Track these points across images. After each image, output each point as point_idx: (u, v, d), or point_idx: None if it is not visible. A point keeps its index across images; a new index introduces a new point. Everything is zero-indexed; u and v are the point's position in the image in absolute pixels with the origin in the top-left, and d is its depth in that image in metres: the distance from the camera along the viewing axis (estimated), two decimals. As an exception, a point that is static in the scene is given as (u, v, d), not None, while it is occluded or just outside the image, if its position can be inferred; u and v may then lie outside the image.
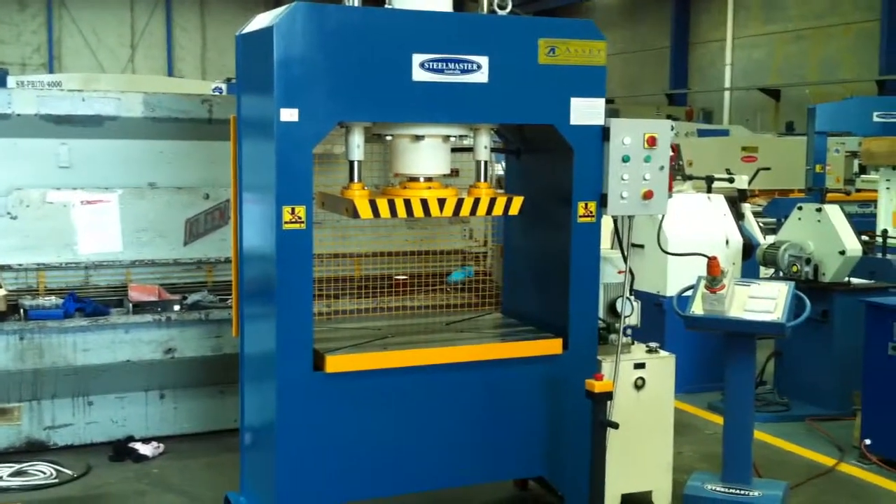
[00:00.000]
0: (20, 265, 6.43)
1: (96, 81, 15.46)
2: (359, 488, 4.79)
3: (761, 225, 10.42)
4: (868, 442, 6.51)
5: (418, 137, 4.82)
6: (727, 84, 27.18)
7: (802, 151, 12.20)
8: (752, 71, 26.37)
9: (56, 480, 5.90)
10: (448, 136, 4.90)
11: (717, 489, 5.48)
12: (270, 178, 4.49)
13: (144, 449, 6.35)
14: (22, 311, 6.19)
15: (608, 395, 4.69)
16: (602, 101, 4.99)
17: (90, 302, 6.43)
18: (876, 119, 11.47)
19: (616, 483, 5.26)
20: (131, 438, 6.50)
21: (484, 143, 5.01)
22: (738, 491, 5.44)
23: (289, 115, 4.42)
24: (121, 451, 6.34)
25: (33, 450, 6.27)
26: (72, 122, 6.55)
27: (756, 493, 5.43)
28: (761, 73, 26.04)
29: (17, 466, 5.96)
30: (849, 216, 7.81)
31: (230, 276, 5.30)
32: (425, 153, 4.86)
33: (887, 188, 10.30)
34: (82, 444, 6.43)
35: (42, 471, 5.97)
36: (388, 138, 4.88)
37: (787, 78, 25.05)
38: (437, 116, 4.74)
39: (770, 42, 25.74)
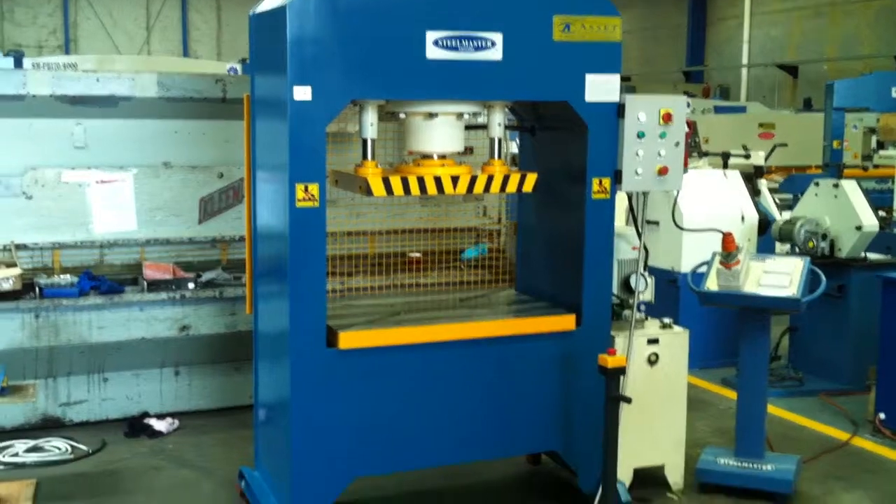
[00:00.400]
0: (35, 244, 6.46)
1: (111, 63, 15.44)
2: (372, 463, 4.82)
3: (777, 201, 10.35)
4: (882, 416, 6.50)
5: (432, 115, 4.81)
6: (744, 61, 26.97)
7: (820, 128, 12.15)
8: (770, 47, 26.16)
9: (71, 456, 5.96)
10: (462, 114, 4.89)
11: (730, 463, 5.50)
12: (284, 157, 4.50)
13: (159, 425, 6.40)
14: (37, 289, 6.23)
15: (621, 371, 4.70)
16: (617, 77, 4.96)
17: (105, 280, 6.46)
18: (894, 94, 11.38)
19: (629, 458, 5.27)
20: (146, 415, 6.55)
21: (498, 120, 5.00)
22: (750, 465, 5.47)
23: (302, 93, 4.42)
24: (136, 427, 6.39)
25: (49, 426, 6.33)
26: (86, 102, 6.56)
27: (769, 467, 5.45)
28: (779, 49, 25.83)
29: (32, 442, 6.02)
30: (866, 192, 7.77)
31: (244, 254, 5.32)
32: (439, 131, 4.85)
33: (905, 163, 10.22)
34: (97, 420, 6.48)
35: (57, 447, 6.02)
36: (402, 116, 4.87)
37: (806, 54, 24.84)
38: (451, 94, 4.73)
39: (788, 18, 25.51)
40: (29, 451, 5.95)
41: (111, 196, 6.63)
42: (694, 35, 28.89)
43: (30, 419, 6.32)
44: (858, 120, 15.27)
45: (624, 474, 5.25)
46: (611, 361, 4.64)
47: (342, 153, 5.47)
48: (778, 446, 5.99)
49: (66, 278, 6.36)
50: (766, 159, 11.18)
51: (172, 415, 6.59)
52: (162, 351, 6.56)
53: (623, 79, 5.07)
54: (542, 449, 5.46)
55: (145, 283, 6.45)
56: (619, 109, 4.96)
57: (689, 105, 5.27)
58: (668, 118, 4.99)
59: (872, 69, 19.45)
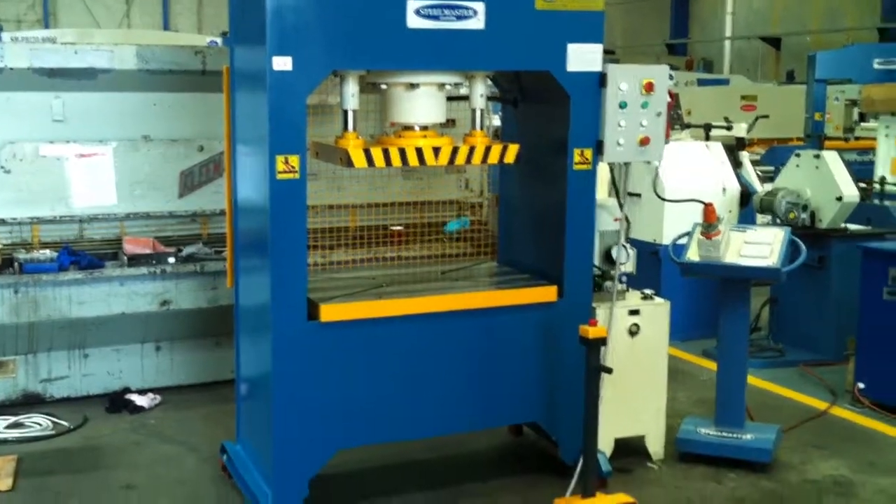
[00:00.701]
0: (14, 219, 6.40)
1: (90, 37, 15.26)
2: (355, 436, 4.82)
3: (759, 173, 10.38)
4: (861, 386, 6.55)
5: (413, 86, 4.78)
6: (728, 33, 26.95)
7: (802, 100, 12.15)
8: (753, 20, 26.15)
9: (53, 432, 5.93)
10: (443, 85, 4.86)
11: (710, 433, 5.54)
12: (264, 129, 4.47)
13: (141, 400, 6.39)
14: (16, 264, 6.18)
15: (602, 341, 4.70)
16: (599, 46, 4.94)
17: (85, 255, 6.42)
18: (876, 66, 11.38)
19: (610, 428, 5.30)
20: (127, 390, 6.52)
21: (480, 91, 4.97)
22: (730, 434, 5.50)
23: (282, 63, 4.38)
24: (117, 402, 6.37)
25: (30, 402, 6.30)
26: (65, 75, 6.48)
27: (749, 437, 5.49)
28: (762, 22, 25.83)
29: (13, 419, 5.99)
30: (847, 163, 7.78)
31: (225, 228, 5.29)
32: (420, 101, 4.82)
33: (886, 135, 10.23)
34: (79, 396, 6.45)
35: (38, 423, 6.00)
36: (383, 87, 4.84)
37: (788, 27, 24.84)
38: (432, 64, 4.71)
39: (771, -10, 25.52)
40: (10, 427, 5.92)
41: (90, 170, 6.57)
42: (677, 8, 28.85)
43: (10, 396, 6.29)
44: (840, 92, 15.27)
45: (605, 444, 5.28)
46: (592, 332, 4.65)
47: (323, 125, 5.44)
48: (758, 416, 6.03)
49: (46, 253, 6.32)
50: (749, 131, 11.19)
51: (154, 390, 6.57)
52: (143, 326, 6.53)
53: (607, 52, 5.04)
54: (523, 420, 5.48)
55: (125, 258, 6.41)
56: (601, 79, 4.95)
57: (672, 78, 5.26)
58: (649, 88, 4.98)
59: (855, 41, 19.49)
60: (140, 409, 6.33)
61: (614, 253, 5.39)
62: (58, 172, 6.49)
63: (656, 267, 7.82)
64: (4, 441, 5.77)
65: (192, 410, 6.34)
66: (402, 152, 4.70)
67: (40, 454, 5.63)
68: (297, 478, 4.66)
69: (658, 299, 5.51)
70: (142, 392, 6.51)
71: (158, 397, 6.49)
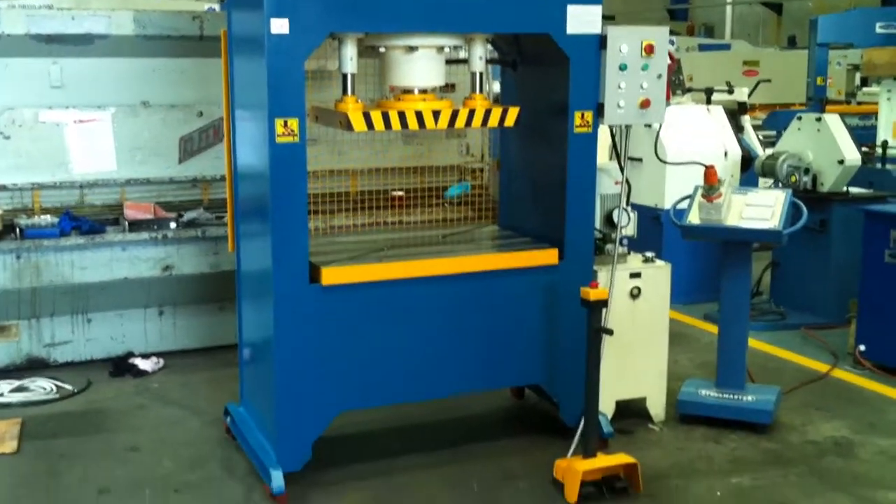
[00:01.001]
0: (14, 185, 6.41)
1: (88, 2, 15.23)
2: (357, 398, 4.84)
3: (761, 138, 10.35)
4: (862, 348, 6.56)
5: (412, 48, 4.76)
6: (729, -2, 26.81)
7: (804, 65, 12.08)
8: (755, -16, 25.99)
9: (57, 396, 5.97)
10: (442, 47, 4.84)
11: (711, 394, 5.57)
12: (262, 93, 4.45)
13: (144, 364, 6.41)
14: (18, 230, 6.19)
15: (603, 303, 4.71)
16: (598, 8, 4.91)
17: (86, 220, 6.42)
18: (879, 30, 11.31)
19: (611, 390, 5.32)
20: (131, 354, 6.55)
21: (479, 53, 4.95)
22: (731, 396, 5.52)
23: (279, 25, 4.36)
24: (121, 366, 6.40)
25: (34, 367, 6.33)
26: (62, 41, 6.46)
27: (749, 398, 5.51)
28: (764, -14, 25.68)
29: (18, 382, 6.03)
30: (849, 128, 7.76)
31: (226, 193, 5.28)
32: (419, 64, 4.80)
33: (888, 99, 10.20)
34: (82, 360, 6.49)
35: (43, 386, 6.03)
36: (382, 50, 4.81)
37: (790, -9, 24.70)
38: (431, 26, 4.68)
39: (773, -46, 25.33)
40: (14, 391, 5.95)
41: (90, 136, 6.57)
42: (678, -27, 28.68)
43: (14, 360, 6.33)
44: (843, 57, 15.18)
45: (606, 406, 5.30)
46: (593, 294, 4.66)
47: (322, 91, 5.42)
48: (759, 378, 6.05)
49: (47, 219, 6.32)
50: (750, 95, 11.15)
51: (157, 354, 6.59)
52: (145, 291, 6.54)
53: (607, 17, 5.01)
54: (525, 382, 5.50)
55: (126, 224, 6.42)
56: (600, 41, 4.92)
57: (673, 43, 5.23)
58: (650, 50, 4.95)
59: (857, 5, 19.35)
60: (143, 373, 6.36)
61: (615, 216, 5.38)
62: (57, 138, 6.50)
63: (658, 232, 7.82)
64: (9, 405, 5.81)
65: (196, 374, 6.37)
66: (402, 116, 4.69)
67: (45, 417, 5.66)
68: (301, 439, 4.69)
69: (659, 262, 5.51)
70: (145, 356, 6.53)
71: (162, 361, 6.52)
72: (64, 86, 6.54)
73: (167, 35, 6.65)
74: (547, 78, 5.16)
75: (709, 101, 9.48)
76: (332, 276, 4.65)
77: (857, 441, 5.40)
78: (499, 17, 4.76)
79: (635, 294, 5.39)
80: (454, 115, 4.79)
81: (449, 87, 5.54)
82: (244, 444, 5.07)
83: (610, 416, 5.35)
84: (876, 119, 10.74)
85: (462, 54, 5.21)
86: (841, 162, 7.40)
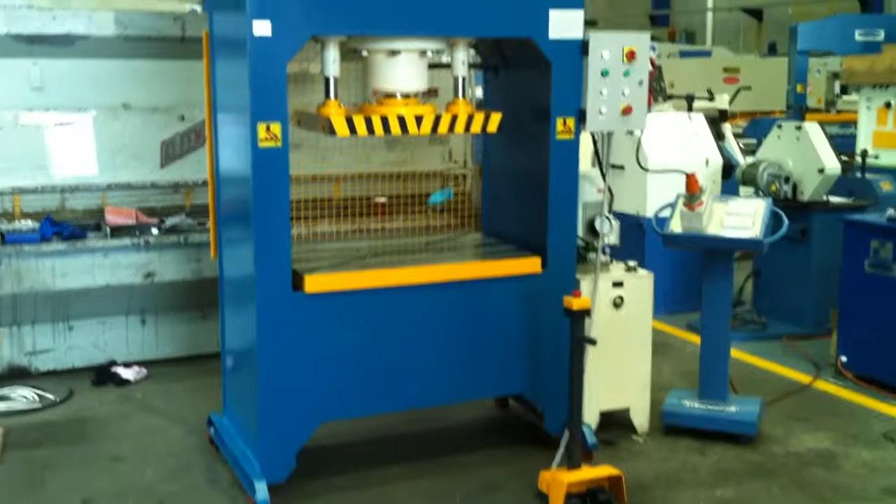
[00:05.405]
0: (-6, 188, 6.35)
1: (68, 2, 15.11)
2: (340, 408, 4.82)
3: (742, 146, 10.39)
4: (844, 359, 6.58)
5: (394, 52, 4.75)
6: (710, 4, 26.91)
7: (784, 72, 12.16)
8: (735, -10, 26.12)
9: (39, 405, 5.91)
10: (425, 51, 4.83)
11: (695, 405, 5.57)
12: (244, 96, 4.43)
13: (127, 373, 6.36)
14: (-2, 235, 6.14)
15: (586, 312, 4.70)
16: (580, 13, 4.92)
17: (67, 225, 6.35)
18: (858, 38, 11.39)
19: (595, 400, 5.32)
20: (113, 363, 6.49)
21: (461, 58, 4.94)
22: (714, 407, 5.53)
23: (261, 27, 4.34)
24: (103, 375, 6.34)
25: (15, 375, 6.26)
26: (43, 41, 6.39)
27: (732, 409, 5.52)
28: (744, -8, 25.80)
29: (-1, 392, 5.98)
30: (829, 136, 7.79)
31: (208, 198, 5.24)
32: (402, 68, 4.79)
33: (867, 107, 10.26)
34: (64, 369, 6.43)
35: (24, 396, 5.97)
36: (364, 53, 4.80)
37: (771, -2, 24.83)
38: (413, 29, 4.67)
39: (753, -39, 25.47)
40: (-6, 400, 5.90)
41: (70, 139, 6.51)
42: (660, -22, 28.78)
43: (-5, 369, 6.27)
44: (822, 65, 15.26)
45: (590, 417, 5.29)
46: (576, 303, 4.65)
47: (305, 95, 5.39)
48: (742, 389, 6.06)
49: (28, 224, 6.25)
50: (731, 103, 11.20)
51: (140, 363, 6.54)
52: (127, 298, 6.49)
53: (589, 22, 5.02)
54: (508, 392, 5.49)
55: (108, 229, 6.35)
56: (582, 47, 4.91)
57: (654, 49, 5.23)
58: (631, 56, 4.94)
59: (837, 12, 19.49)
60: (126, 382, 6.31)
61: (597, 224, 5.38)
62: (38, 141, 6.43)
63: (640, 240, 7.83)
64: (-11, 414, 5.76)
65: (179, 383, 6.33)
66: (385, 121, 4.68)
67: (27, 427, 5.61)
68: (284, 449, 4.66)
69: (642, 271, 5.51)
70: (128, 365, 6.48)
71: (144, 370, 6.47)
72: (44, 87, 6.47)
73: (148, 36, 6.58)
74: (529, 83, 5.16)
75: (690, 109, 9.51)
76: (315, 283, 4.63)
77: (840, 453, 5.41)
78: (481, 22, 4.76)
79: (618, 303, 5.39)
80: (437, 120, 4.78)
81: (432, 92, 5.53)
82: (228, 454, 5.03)
83: (594, 426, 5.34)
84: (856, 128, 10.80)
85: (445, 59, 5.20)
86: (821, 171, 7.43)
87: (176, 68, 6.68)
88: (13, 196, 6.41)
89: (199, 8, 12.95)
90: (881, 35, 11.36)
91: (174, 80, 6.70)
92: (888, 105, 9.98)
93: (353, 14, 4.49)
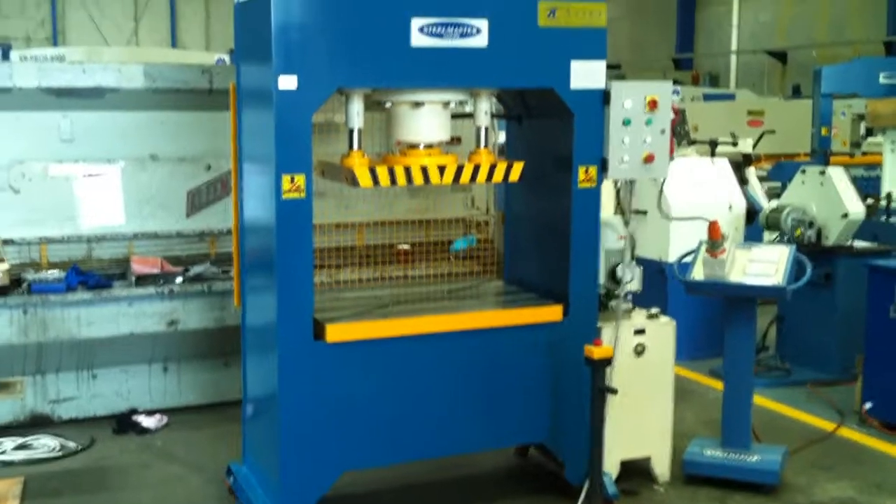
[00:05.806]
0: (23, 239, 6.43)
1: (99, 55, 15.35)
2: (362, 457, 4.82)
3: (766, 189, 10.37)
4: (868, 405, 6.51)
5: (418, 104, 4.81)
6: (733, 47, 26.96)
7: (809, 115, 12.13)
8: (759, 33, 26.14)
9: (60, 454, 5.93)
10: (448, 102, 4.89)
11: (717, 454, 5.52)
12: (270, 147, 4.49)
13: (148, 421, 6.39)
14: (25, 284, 6.20)
15: (607, 362, 4.70)
16: (603, 63, 4.96)
17: (93, 275, 6.42)
18: (882, 80, 11.36)
19: (615, 449, 5.29)
20: (135, 411, 6.52)
21: (484, 108, 5.00)
22: (737, 456, 5.48)
23: (287, 82, 4.41)
24: (124, 423, 6.37)
25: (38, 423, 6.30)
26: (73, 94, 6.50)
27: (755, 458, 5.46)
28: (768, 35, 25.82)
29: (21, 440, 6.00)
30: (853, 179, 7.77)
31: (232, 247, 5.30)
32: (425, 120, 4.85)
33: (892, 150, 10.23)
34: (86, 417, 6.45)
35: (46, 444, 6.00)
36: (388, 105, 4.86)
37: (795, 40, 24.82)
38: (437, 81, 4.74)
39: (777, 3, 25.49)
40: (17, 448, 5.92)
41: (99, 189, 6.61)
42: (683, 22, 28.84)
43: (18, 417, 6.29)
44: (847, 106, 15.22)
45: (611, 466, 5.26)
46: (597, 353, 4.65)
47: (329, 144, 5.46)
48: (765, 437, 6.00)
49: (54, 273, 6.32)
50: (755, 147, 11.19)
51: (161, 411, 6.56)
52: (150, 346, 6.53)
53: (613, 66, 5.08)
54: (529, 441, 5.47)
55: (133, 278, 6.42)
56: (604, 96, 4.95)
57: (678, 93, 5.26)
58: (653, 105, 4.98)
59: (860, 54, 19.48)
60: (147, 430, 6.33)
61: (619, 271, 5.38)
62: (66, 192, 6.53)
63: (662, 285, 7.80)
64: (11, 463, 5.78)
65: (200, 431, 6.34)
66: (408, 171, 4.72)
67: (47, 476, 5.63)
68: (305, 499, 4.66)
69: (664, 318, 5.50)
70: (149, 413, 6.50)
71: (165, 418, 6.49)
72: (74, 139, 6.58)
73: (177, 88, 6.69)
74: (551, 132, 5.20)
75: (713, 154, 9.52)
76: (336, 333, 4.66)
77: (864, 502, 5.35)
78: (503, 73, 4.81)
79: (640, 351, 5.37)
80: (459, 170, 4.82)
81: (455, 140, 5.58)
82: None
83: (615, 476, 5.31)
84: (881, 170, 10.75)
85: (468, 108, 5.26)
86: (845, 216, 7.41)
87: (203, 119, 6.78)
88: (40, 246, 6.50)
89: (226, 57, 13.15)
90: (905, 78, 11.32)
91: (201, 130, 6.80)
92: (912, 148, 9.94)
93: (378, 68, 4.56)
